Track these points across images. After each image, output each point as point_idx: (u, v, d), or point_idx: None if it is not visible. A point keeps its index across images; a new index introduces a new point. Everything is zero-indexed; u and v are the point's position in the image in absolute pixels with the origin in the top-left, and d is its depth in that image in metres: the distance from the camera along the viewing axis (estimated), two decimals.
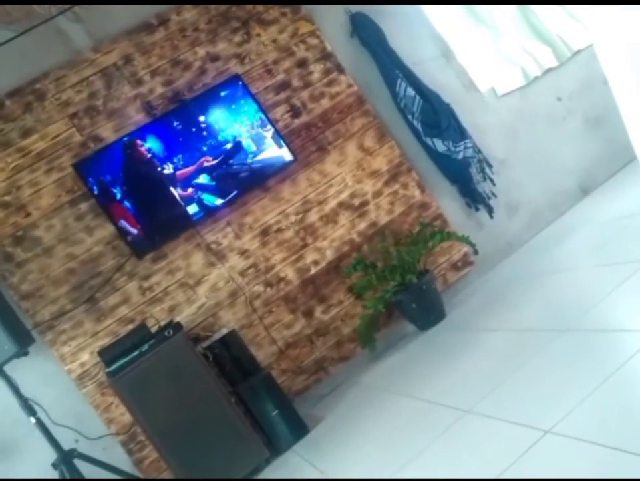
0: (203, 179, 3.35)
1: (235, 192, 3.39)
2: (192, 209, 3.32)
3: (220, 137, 3.38)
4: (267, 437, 3.01)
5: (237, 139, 3.38)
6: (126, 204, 3.24)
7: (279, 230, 3.52)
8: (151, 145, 3.29)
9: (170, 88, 3.47)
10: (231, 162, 3.38)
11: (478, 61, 4.00)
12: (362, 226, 3.63)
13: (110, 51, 3.41)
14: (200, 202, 3.33)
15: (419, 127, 3.71)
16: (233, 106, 3.41)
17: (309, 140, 3.62)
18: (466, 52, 3.98)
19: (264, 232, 3.50)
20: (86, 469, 2.77)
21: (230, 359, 3.12)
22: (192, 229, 3.38)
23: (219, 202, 3.37)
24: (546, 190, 3.98)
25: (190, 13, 3.55)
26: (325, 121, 3.66)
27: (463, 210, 3.85)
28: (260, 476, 2.90)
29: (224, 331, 3.21)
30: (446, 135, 3.68)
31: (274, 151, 3.43)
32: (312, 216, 3.57)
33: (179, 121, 3.34)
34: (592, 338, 2.23)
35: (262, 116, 3.41)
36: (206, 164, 3.35)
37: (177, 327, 2.97)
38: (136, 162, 3.27)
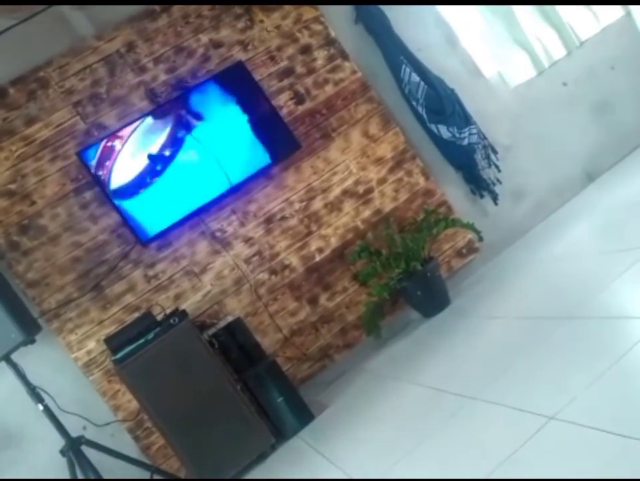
0: None
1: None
2: None
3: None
4: (273, 424, 3.02)
5: None
6: None
7: (283, 218, 3.52)
8: None
9: (173, 75, 3.46)
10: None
11: (484, 46, 3.96)
12: (366, 213, 3.62)
13: (113, 39, 3.40)
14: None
15: (423, 113, 3.69)
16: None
17: (313, 127, 3.61)
18: (471, 38, 3.95)
19: (269, 220, 3.50)
20: (94, 456, 2.79)
21: (235, 347, 3.13)
22: (197, 217, 3.38)
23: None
24: (551, 177, 3.96)
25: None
26: (329, 108, 3.64)
27: (468, 196, 3.83)
28: (267, 462, 2.92)
29: (230, 319, 3.22)
30: (451, 122, 3.66)
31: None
32: (317, 204, 3.57)
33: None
34: (597, 325, 2.22)
35: None
36: None
37: (182, 314, 2.99)
38: None
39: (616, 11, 4.14)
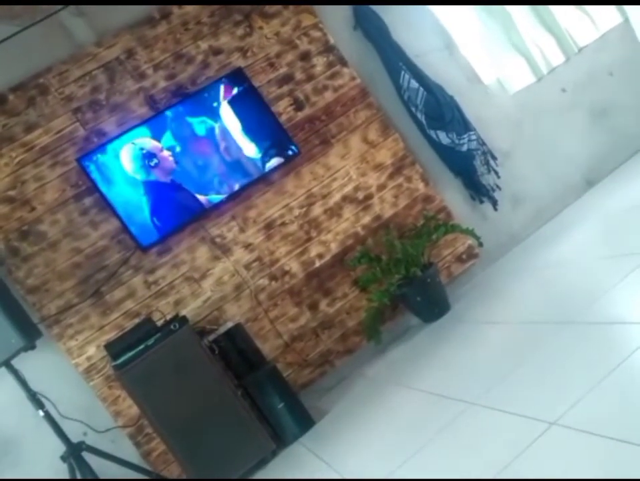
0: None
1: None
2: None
3: None
4: (273, 430, 3.02)
5: None
6: None
7: (283, 224, 3.52)
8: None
9: (172, 82, 3.47)
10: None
11: (483, 53, 3.98)
12: (366, 219, 3.63)
13: (113, 45, 3.41)
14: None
15: (422, 119, 3.70)
16: None
17: (313, 133, 3.62)
18: (470, 44, 3.96)
19: (269, 226, 3.50)
20: (95, 461, 2.79)
21: (235, 353, 3.13)
22: (197, 222, 3.39)
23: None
24: (550, 182, 3.98)
25: (192, 6, 3.54)
26: (328, 114, 3.65)
27: (468, 202, 3.84)
28: (268, 468, 2.92)
29: (230, 325, 3.22)
30: (450, 128, 3.67)
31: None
32: (317, 210, 3.58)
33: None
34: (597, 330, 2.23)
35: None
36: None
37: (182, 320, 2.98)
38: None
39: (615, 17, 4.17)
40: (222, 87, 3.40)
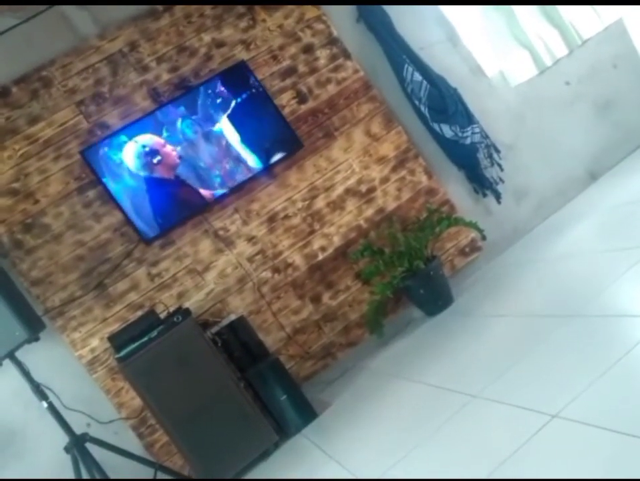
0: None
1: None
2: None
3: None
4: (276, 422, 3.03)
5: None
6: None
7: (286, 217, 3.52)
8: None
9: (175, 75, 3.46)
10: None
11: (486, 45, 3.96)
12: (369, 212, 3.63)
13: (116, 38, 3.40)
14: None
15: (426, 112, 3.69)
16: None
17: (316, 126, 3.61)
18: (473, 36, 3.95)
19: (272, 219, 3.50)
20: (98, 453, 2.80)
21: (238, 345, 3.14)
22: (200, 215, 3.39)
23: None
24: (554, 176, 3.97)
25: None
26: (331, 107, 3.64)
27: (471, 195, 3.84)
28: (270, 459, 2.93)
29: (233, 317, 3.23)
30: (453, 121, 3.66)
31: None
32: (320, 203, 3.58)
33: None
34: (600, 323, 2.23)
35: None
36: None
37: (186, 312, 2.99)
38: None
39: (619, 9, 4.14)
40: (220, 84, 3.39)
